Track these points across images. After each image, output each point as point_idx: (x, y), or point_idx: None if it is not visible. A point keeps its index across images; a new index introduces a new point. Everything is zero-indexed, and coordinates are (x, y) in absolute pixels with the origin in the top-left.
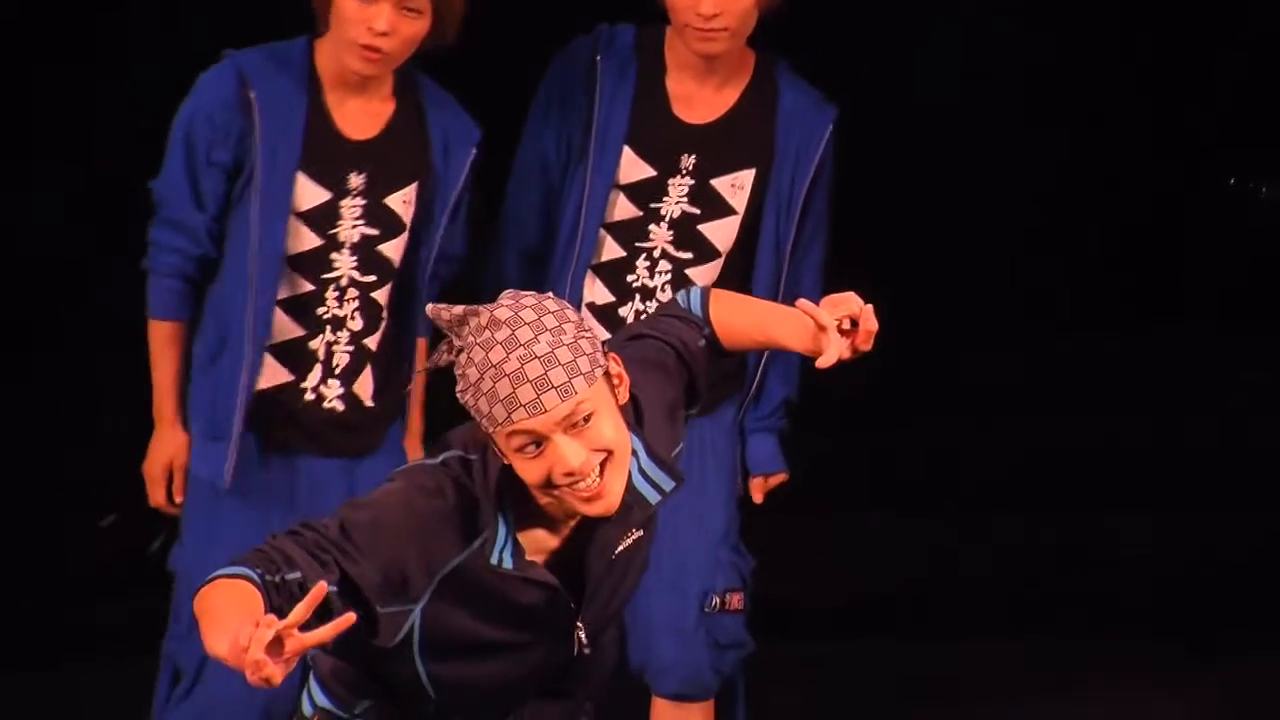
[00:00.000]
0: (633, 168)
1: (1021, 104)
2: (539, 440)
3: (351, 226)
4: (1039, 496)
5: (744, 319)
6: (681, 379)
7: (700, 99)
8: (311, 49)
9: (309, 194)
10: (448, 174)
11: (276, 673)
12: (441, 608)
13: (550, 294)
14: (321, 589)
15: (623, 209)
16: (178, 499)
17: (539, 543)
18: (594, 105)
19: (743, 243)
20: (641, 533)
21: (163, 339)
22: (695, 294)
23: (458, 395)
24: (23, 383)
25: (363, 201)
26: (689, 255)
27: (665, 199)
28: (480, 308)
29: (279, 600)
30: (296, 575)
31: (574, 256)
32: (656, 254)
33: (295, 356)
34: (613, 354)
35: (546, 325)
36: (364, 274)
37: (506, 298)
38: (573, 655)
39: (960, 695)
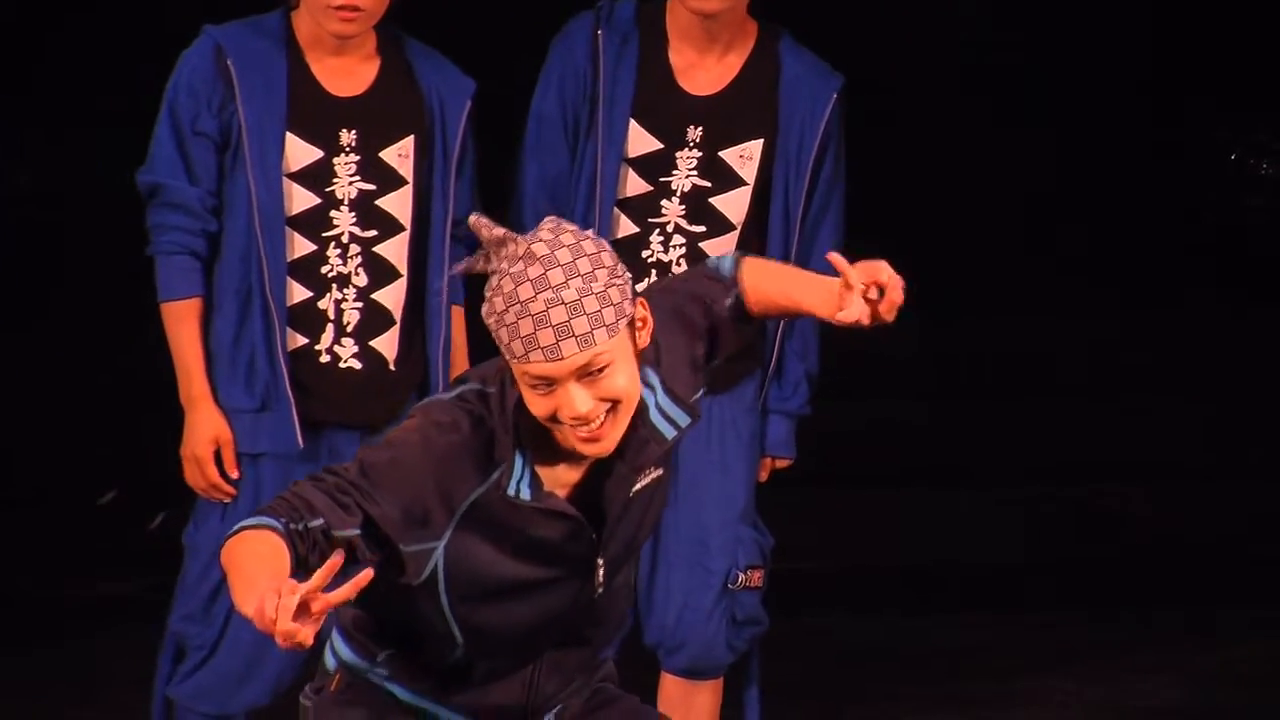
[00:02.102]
0: (640, 142)
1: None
2: (551, 381)
3: (348, 183)
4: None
5: (772, 284)
6: (704, 335)
7: (703, 70)
8: (288, 18)
9: (300, 153)
10: (445, 127)
11: (308, 635)
12: (464, 543)
13: (590, 232)
14: (337, 560)
15: (633, 184)
16: (233, 475)
17: (558, 477)
18: (598, 80)
19: (755, 214)
20: (660, 471)
21: (179, 319)
22: (728, 258)
23: (482, 315)
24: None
25: (357, 157)
26: (702, 228)
27: (675, 172)
28: (520, 237)
29: (304, 548)
30: (320, 522)
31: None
32: (670, 229)
33: (307, 319)
34: (641, 298)
35: (579, 270)
36: (365, 229)
37: (547, 228)
38: (594, 595)
39: (970, 670)
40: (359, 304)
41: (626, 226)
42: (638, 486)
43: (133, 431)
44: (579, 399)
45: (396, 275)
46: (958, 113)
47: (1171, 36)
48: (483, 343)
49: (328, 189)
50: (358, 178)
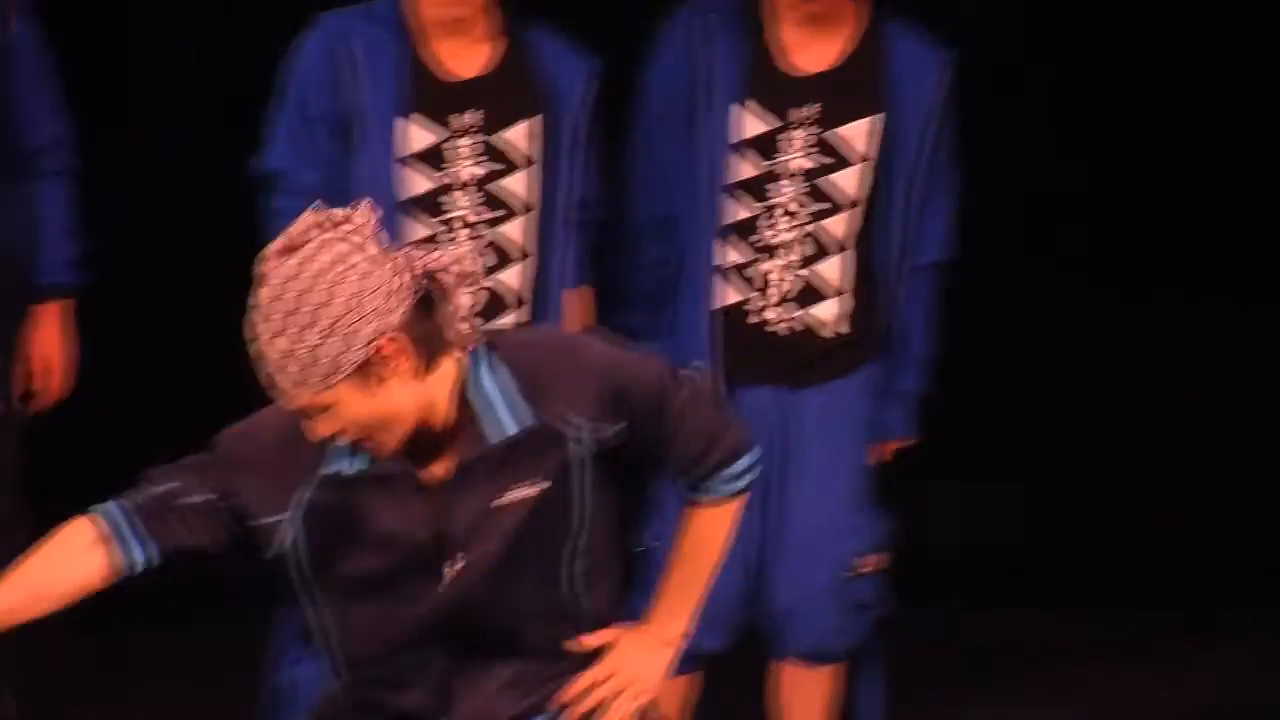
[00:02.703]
0: (750, 124)
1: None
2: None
3: (466, 165)
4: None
5: (683, 539)
6: (617, 413)
7: (810, 48)
8: (398, 3)
9: (418, 137)
10: (567, 108)
11: None
12: (312, 519)
13: (347, 240)
14: None
15: (745, 167)
16: None
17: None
18: (706, 65)
19: (868, 192)
20: (532, 491)
21: None
22: (725, 486)
23: None
24: None
25: (474, 140)
26: (818, 208)
27: (787, 153)
28: (271, 251)
29: (153, 512)
30: (174, 484)
31: (705, 219)
32: (784, 210)
33: None
34: (388, 335)
35: (290, 325)
36: (486, 211)
37: (286, 253)
38: (443, 596)
39: (1092, 664)
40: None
41: (740, 210)
42: (502, 501)
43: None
44: (310, 429)
45: (515, 258)
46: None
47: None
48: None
49: (444, 172)
50: (475, 160)
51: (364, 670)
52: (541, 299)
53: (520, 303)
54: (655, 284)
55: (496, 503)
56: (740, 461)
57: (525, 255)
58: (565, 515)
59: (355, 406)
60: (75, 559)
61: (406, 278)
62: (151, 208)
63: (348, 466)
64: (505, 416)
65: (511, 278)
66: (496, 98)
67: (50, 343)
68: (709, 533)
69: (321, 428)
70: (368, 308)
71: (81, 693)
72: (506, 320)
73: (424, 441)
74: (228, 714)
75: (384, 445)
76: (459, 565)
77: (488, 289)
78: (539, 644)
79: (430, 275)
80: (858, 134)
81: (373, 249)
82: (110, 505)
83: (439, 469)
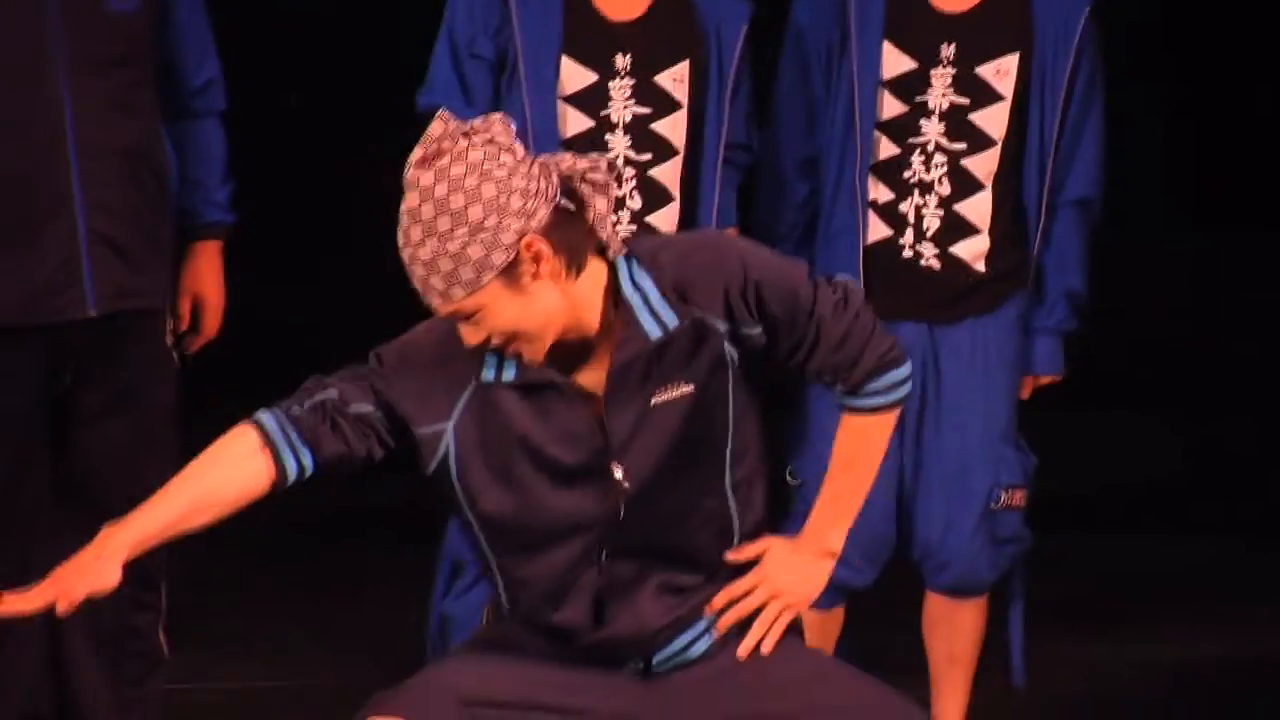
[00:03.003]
0: (895, 62)
1: None
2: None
3: (623, 106)
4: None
5: (836, 449)
6: (754, 315)
7: None
8: None
9: (575, 77)
10: (720, 52)
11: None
12: (471, 426)
13: (484, 148)
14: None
15: (891, 106)
16: None
17: (561, 361)
18: (849, 3)
19: (1014, 129)
20: (689, 388)
21: None
22: (877, 398)
23: None
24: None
25: (631, 81)
26: (963, 146)
27: (930, 91)
28: (412, 161)
29: (314, 421)
30: (334, 394)
31: (851, 158)
32: (930, 148)
33: None
34: (532, 236)
35: (438, 228)
36: (639, 153)
37: (425, 163)
38: (618, 502)
39: (1230, 592)
40: (632, 227)
41: (887, 148)
42: (659, 398)
43: None
44: (466, 333)
45: (669, 199)
46: None
47: None
48: None
49: (602, 112)
50: (632, 101)
51: (522, 585)
52: None
53: None
54: (802, 222)
55: (656, 400)
56: (892, 373)
57: (676, 197)
58: (719, 415)
59: (504, 310)
60: (237, 467)
61: (543, 183)
62: (287, 143)
63: (505, 374)
64: (660, 315)
65: (661, 219)
66: (651, 40)
67: (205, 281)
68: (862, 444)
69: (473, 333)
70: (510, 209)
71: (232, 599)
72: None
73: (577, 346)
74: (389, 632)
75: (534, 350)
76: (623, 468)
77: (640, 229)
78: (695, 556)
79: (568, 179)
80: (999, 72)
81: (509, 156)
82: (268, 413)
83: (593, 374)
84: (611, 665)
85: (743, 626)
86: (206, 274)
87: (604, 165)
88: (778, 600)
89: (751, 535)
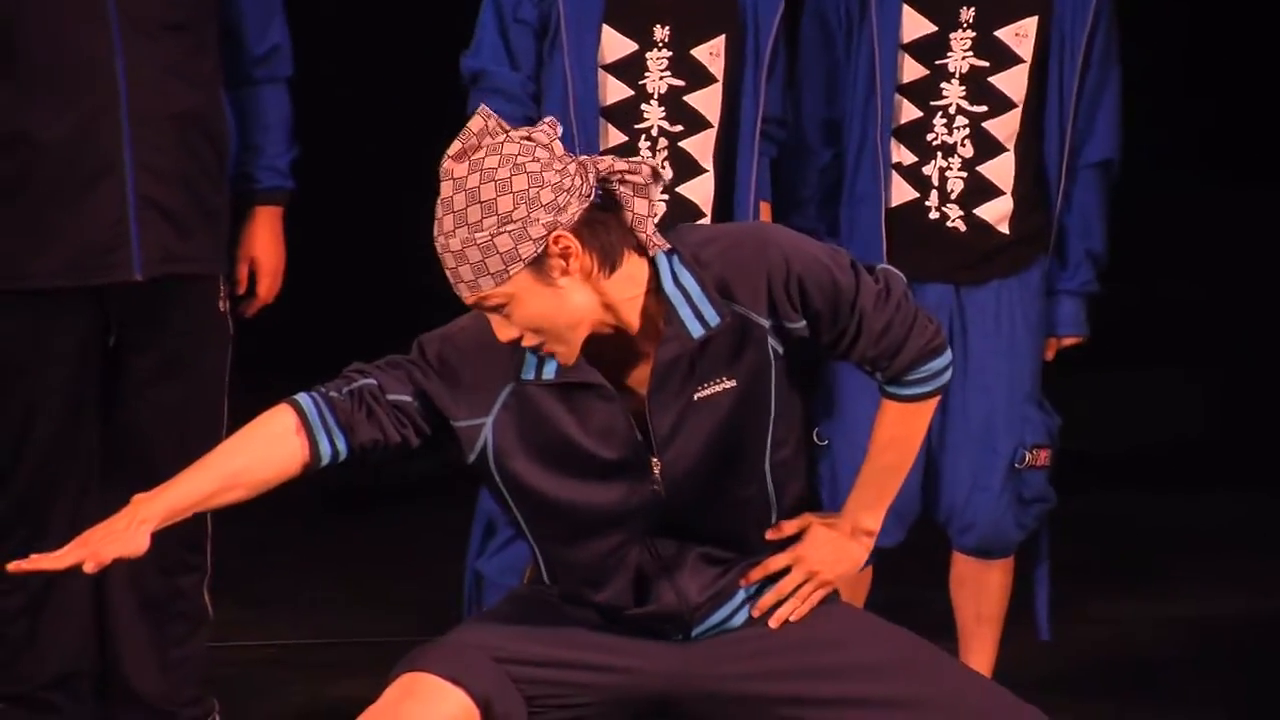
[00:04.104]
0: (914, 25)
1: None
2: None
3: (659, 77)
4: None
5: (876, 432)
6: (795, 306)
7: None
8: None
9: (615, 45)
10: (758, 26)
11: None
12: (510, 422)
13: (520, 144)
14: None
15: (911, 69)
16: None
17: (600, 360)
18: None
19: (1034, 91)
20: (732, 383)
21: None
22: (918, 387)
23: None
24: None
25: (669, 53)
26: (984, 109)
27: (950, 54)
28: (449, 153)
29: (350, 407)
30: (372, 382)
31: (873, 120)
32: (952, 110)
33: None
34: (561, 232)
35: (468, 219)
36: (672, 124)
37: (461, 156)
38: (654, 494)
39: (1263, 549)
40: (664, 196)
41: (910, 111)
42: (702, 394)
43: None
44: (498, 328)
45: (700, 171)
46: None
47: None
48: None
49: (639, 82)
50: (668, 73)
51: (563, 567)
52: (723, 213)
53: (703, 216)
54: (826, 186)
55: (699, 395)
56: (933, 363)
57: (709, 169)
58: (763, 407)
59: (532, 303)
60: (273, 446)
61: (579, 180)
62: (340, 118)
63: (545, 373)
64: (703, 313)
65: (695, 191)
66: (690, 14)
67: (264, 246)
68: (903, 429)
69: (504, 329)
70: (540, 202)
71: (272, 561)
72: None
73: (618, 342)
74: (427, 592)
75: (567, 349)
76: (663, 463)
77: (671, 200)
78: (736, 535)
79: (606, 180)
80: (1019, 35)
81: (544, 152)
82: (307, 395)
83: (636, 371)
84: (651, 636)
85: (779, 601)
86: (264, 239)
87: (646, 170)
88: (813, 579)
89: (792, 512)
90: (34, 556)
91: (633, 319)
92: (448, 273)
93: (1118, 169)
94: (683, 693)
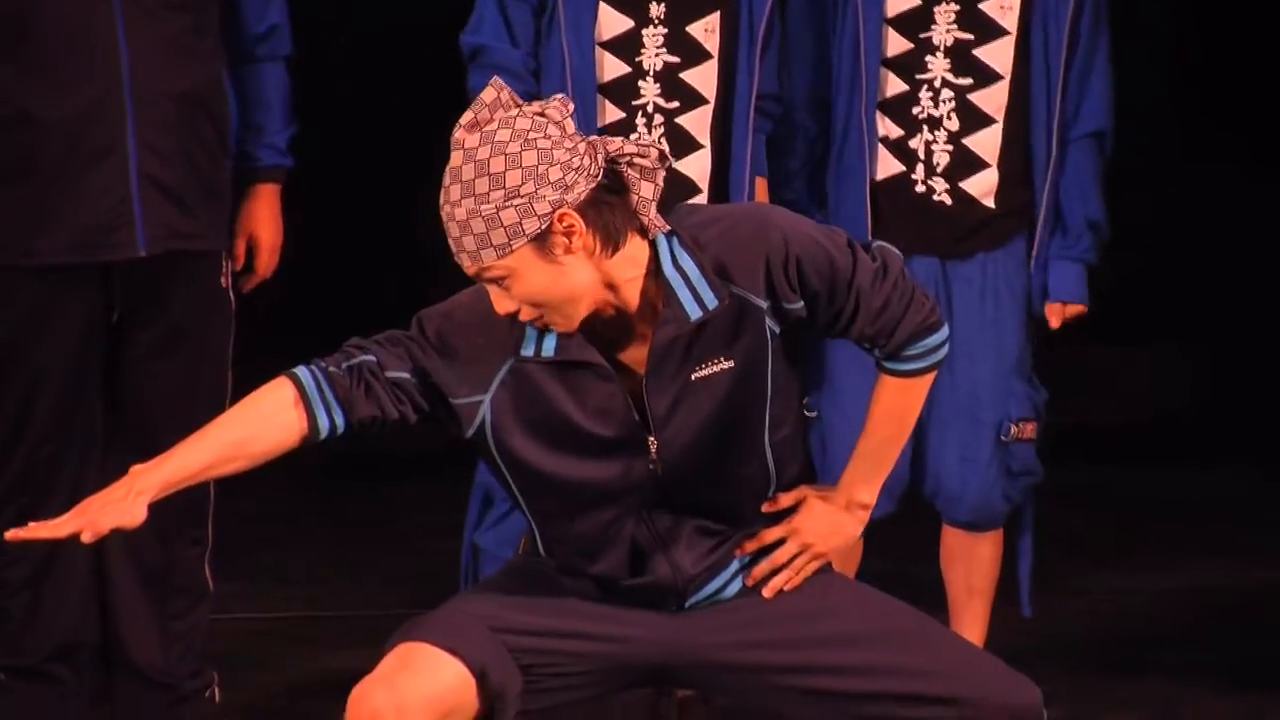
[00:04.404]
0: (898, 0)
1: None
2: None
3: (655, 54)
4: None
5: (873, 407)
6: (793, 287)
7: None
8: None
9: (612, 23)
10: (751, 4)
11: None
12: (508, 399)
13: (533, 119)
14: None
15: (895, 43)
16: None
17: (600, 339)
18: None
19: (1020, 64)
20: (729, 364)
21: None
22: (915, 364)
23: None
24: None
25: (665, 30)
26: (969, 81)
27: (934, 27)
28: (461, 123)
29: (348, 383)
30: (371, 358)
31: (859, 95)
32: (937, 84)
33: None
34: (567, 210)
35: (475, 189)
36: (668, 100)
37: (473, 127)
38: (650, 471)
39: (1248, 519)
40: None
41: (895, 84)
42: (700, 374)
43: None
44: (497, 300)
45: (697, 147)
46: None
47: None
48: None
49: (636, 59)
50: (664, 50)
51: (559, 540)
52: (720, 189)
53: (700, 192)
54: (814, 158)
55: (696, 375)
56: (930, 338)
57: (706, 145)
58: (760, 387)
59: (534, 279)
60: (273, 419)
61: (587, 160)
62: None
63: (545, 349)
64: (701, 295)
65: (691, 167)
66: None
67: (263, 222)
68: (899, 405)
69: (503, 301)
70: (548, 179)
71: (269, 534)
72: None
73: (617, 321)
74: (423, 565)
75: (565, 323)
76: (660, 442)
77: (668, 176)
78: (733, 510)
79: (614, 162)
80: (1003, 8)
81: (556, 129)
82: (306, 370)
83: (634, 351)
84: (646, 607)
85: (773, 572)
86: (262, 216)
87: (654, 153)
88: (807, 551)
89: (790, 486)
90: (33, 524)
91: (632, 299)
92: (450, 241)
93: (1110, 140)
94: (676, 662)
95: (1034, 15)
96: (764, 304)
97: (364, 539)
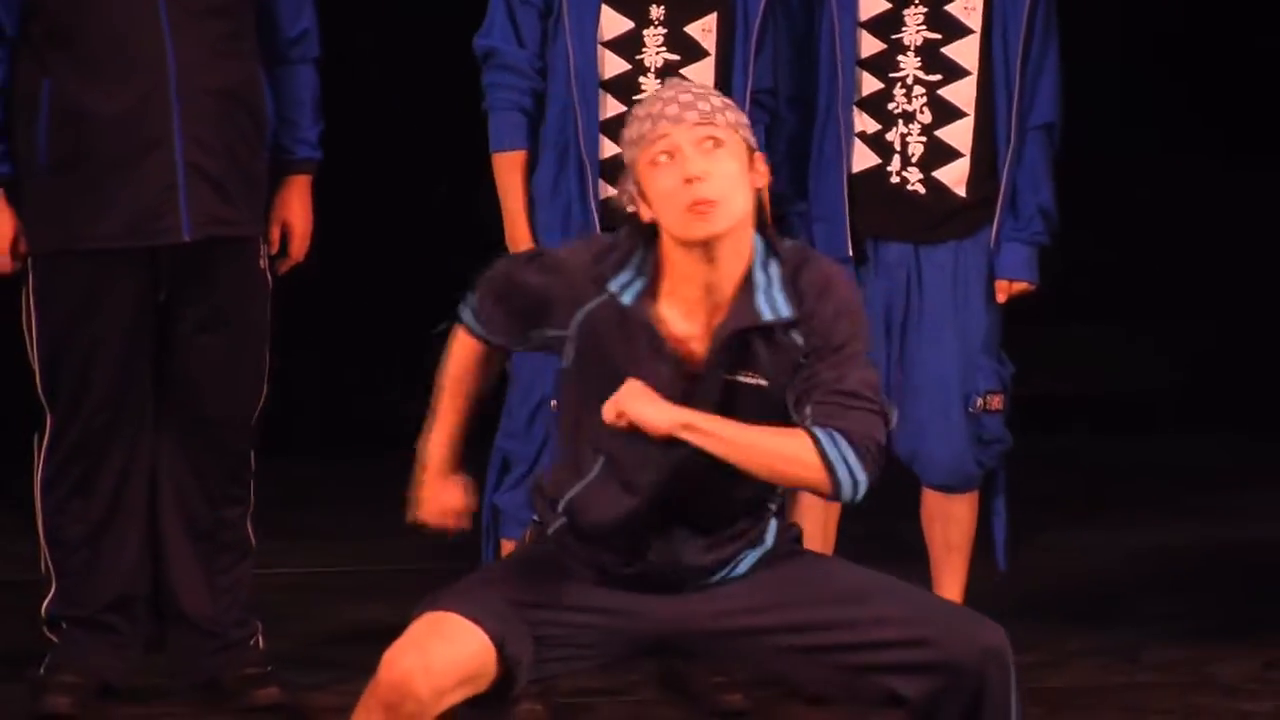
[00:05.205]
0: (870, 3)
1: None
2: (672, 153)
3: (655, 53)
4: None
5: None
6: (804, 347)
7: None
8: None
9: (613, 24)
10: (746, 4)
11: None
12: (586, 340)
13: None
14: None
15: (869, 44)
16: None
17: (674, 310)
18: None
19: (986, 60)
20: (764, 383)
21: (508, 168)
22: (829, 445)
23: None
24: None
25: (664, 30)
26: (938, 77)
27: (904, 28)
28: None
29: (502, 329)
30: (487, 301)
31: (837, 93)
32: (909, 81)
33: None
34: (760, 155)
35: (710, 94)
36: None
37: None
38: (673, 451)
39: (1206, 485)
40: None
41: (871, 83)
42: (737, 379)
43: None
44: (694, 160)
45: None
46: None
47: None
48: None
49: (637, 57)
50: (664, 48)
51: (568, 509)
52: None
53: None
54: (793, 153)
55: (732, 379)
56: (849, 451)
57: None
58: (779, 411)
59: (733, 165)
60: (484, 365)
61: None
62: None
63: (626, 294)
64: (776, 302)
65: None
66: None
67: (295, 211)
68: (773, 438)
69: (699, 161)
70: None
71: (310, 495)
72: None
73: (698, 305)
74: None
75: (716, 222)
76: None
77: None
78: (732, 509)
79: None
80: (967, 8)
81: None
82: (474, 321)
83: (697, 338)
84: (650, 592)
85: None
86: (295, 205)
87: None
88: (620, 412)
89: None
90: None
91: (725, 283)
92: (675, 106)
93: (1058, 132)
94: (681, 634)
95: (994, 15)
96: (803, 345)
97: (392, 499)
